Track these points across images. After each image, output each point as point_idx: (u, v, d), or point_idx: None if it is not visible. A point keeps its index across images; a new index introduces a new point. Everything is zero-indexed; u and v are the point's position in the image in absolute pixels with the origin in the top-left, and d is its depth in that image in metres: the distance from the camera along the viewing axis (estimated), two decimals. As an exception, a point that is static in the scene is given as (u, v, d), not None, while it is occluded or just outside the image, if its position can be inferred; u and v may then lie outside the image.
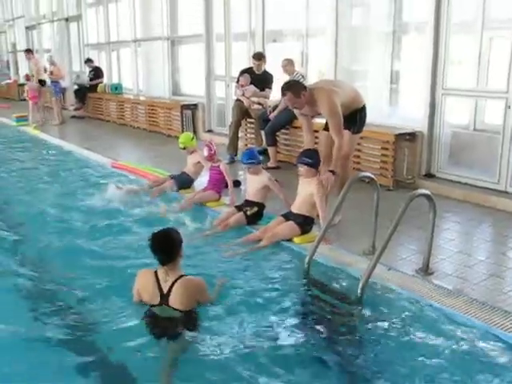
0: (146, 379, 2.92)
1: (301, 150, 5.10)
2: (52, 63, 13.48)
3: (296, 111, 5.17)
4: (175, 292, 3.39)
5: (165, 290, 3.41)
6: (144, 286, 3.51)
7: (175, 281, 3.41)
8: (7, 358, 2.98)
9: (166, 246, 3.40)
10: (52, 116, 13.14)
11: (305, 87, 4.93)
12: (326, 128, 5.18)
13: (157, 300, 3.42)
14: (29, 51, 14.18)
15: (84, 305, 3.69)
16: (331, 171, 4.82)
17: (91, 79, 14.08)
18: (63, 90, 14.28)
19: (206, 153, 5.88)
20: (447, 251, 4.52)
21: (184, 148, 6.35)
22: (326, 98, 4.85)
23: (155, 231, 3.46)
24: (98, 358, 3.09)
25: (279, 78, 7.72)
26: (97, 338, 3.28)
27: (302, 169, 4.74)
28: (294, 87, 4.90)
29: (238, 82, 8.31)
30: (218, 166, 5.88)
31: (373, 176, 4.41)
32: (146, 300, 3.48)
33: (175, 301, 3.38)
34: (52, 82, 13.24)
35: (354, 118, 5.07)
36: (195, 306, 3.46)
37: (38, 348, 3.16)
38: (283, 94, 4.93)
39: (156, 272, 3.47)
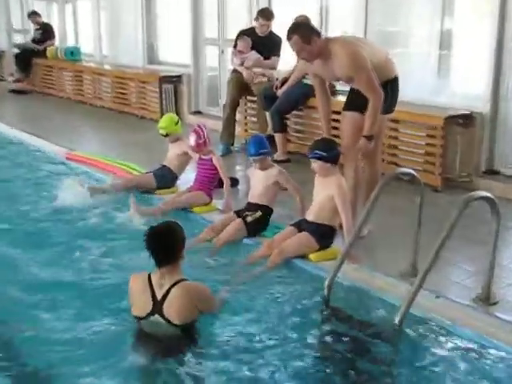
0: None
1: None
2: None
3: (308, 67, 5.30)
4: (171, 298, 3.59)
5: (159, 296, 3.62)
6: (135, 293, 3.74)
7: (173, 285, 3.61)
8: None
9: (164, 242, 3.64)
10: None
11: (318, 33, 5.09)
12: (350, 107, 5.27)
13: (148, 308, 3.62)
14: None
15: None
16: (366, 137, 4.96)
17: (38, 41, 14.15)
18: None
19: (192, 141, 5.90)
20: (516, 274, 4.56)
21: (166, 135, 6.40)
22: (346, 48, 4.98)
23: (153, 225, 3.74)
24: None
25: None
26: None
27: (316, 164, 4.79)
28: (303, 29, 5.07)
29: (235, 47, 8.36)
30: (210, 159, 5.92)
31: (414, 173, 4.44)
32: (136, 311, 3.70)
33: (171, 309, 3.58)
34: None
35: (384, 91, 5.11)
36: (195, 319, 3.68)
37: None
38: (289, 38, 5.06)
39: (150, 276, 3.69)
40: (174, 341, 3.59)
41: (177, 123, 6.44)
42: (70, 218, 5.74)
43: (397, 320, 3.62)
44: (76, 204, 5.95)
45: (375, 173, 5.29)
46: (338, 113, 7.47)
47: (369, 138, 5.00)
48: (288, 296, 4.27)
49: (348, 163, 5.28)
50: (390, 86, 5.19)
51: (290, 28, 5.09)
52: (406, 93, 7.27)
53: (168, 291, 3.62)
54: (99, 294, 4.24)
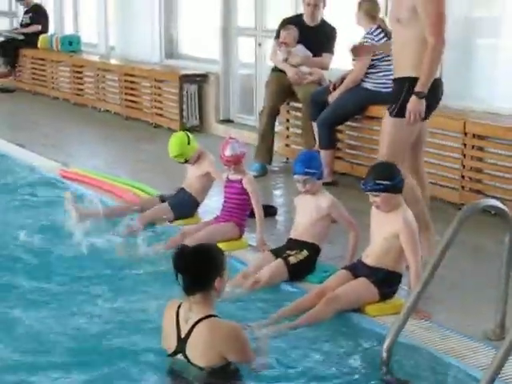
0: None
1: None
2: None
3: None
4: (195, 337, 3.74)
5: (183, 333, 3.78)
6: (164, 325, 3.98)
7: (198, 321, 3.74)
8: None
9: (194, 265, 3.79)
10: None
11: None
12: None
13: (173, 345, 3.83)
14: None
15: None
16: (418, 93, 5.24)
17: (25, 26, 14.39)
18: None
19: (229, 151, 5.88)
20: None
21: (186, 161, 6.49)
22: None
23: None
24: None
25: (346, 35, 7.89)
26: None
27: (378, 199, 4.80)
28: None
29: (277, 38, 8.44)
30: (240, 181, 5.94)
31: (502, 206, 4.44)
32: (164, 346, 3.95)
33: (194, 349, 3.74)
34: None
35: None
36: (225, 363, 3.77)
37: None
38: None
39: (179, 306, 3.88)
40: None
41: (189, 142, 6.48)
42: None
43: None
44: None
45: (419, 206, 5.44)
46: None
47: (421, 95, 5.25)
48: (337, 358, 4.28)
49: None
50: (435, 84, 5.41)
51: None
52: (494, 101, 7.37)
53: (193, 327, 3.75)
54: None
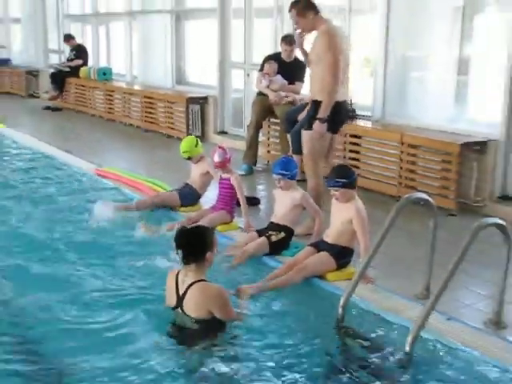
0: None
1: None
2: None
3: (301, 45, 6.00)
4: (189, 296, 3.85)
5: (181, 292, 3.90)
6: (167, 287, 4.05)
7: (192, 283, 3.85)
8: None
9: (190, 241, 3.89)
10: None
11: (316, 10, 5.70)
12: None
13: (173, 302, 3.94)
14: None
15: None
16: (320, 119, 5.61)
17: (71, 60, 14.34)
18: None
19: (217, 158, 5.88)
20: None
21: (189, 158, 6.45)
22: (330, 29, 5.64)
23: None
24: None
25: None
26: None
27: (338, 193, 4.77)
28: (301, 4, 5.68)
29: (261, 70, 8.42)
30: (229, 179, 5.92)
31: (428, 198, 4.44)
32: (167, 303, 4.03)
33: (188, 305, 3.86)
34: None
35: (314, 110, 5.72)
36: (212, 317, 3.84)
37: None
38: (289, 10, 5.77)
39: (178, 272, 3.97)
40: (193, 332, 3.82)
41: (196, 145, 6.44)
42: (99, 231, 5.87)
43: (409, 339, 3.62)
44: (103, 220, 6.08)
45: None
46: (358, 137, 7.58)
47: (321, 120, 5.61)
48: (304, 313, 4.29)
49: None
50: (338, 108, 5.68)
51: (292, 2, 5.76)
52: (424, 119, 7.38)
53: (188, 288, 3.85)
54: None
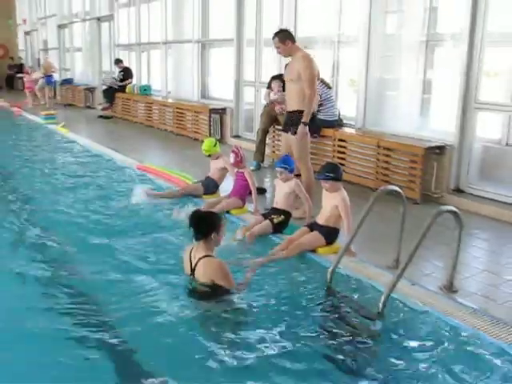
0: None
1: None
2: (44, 61, 17.42)
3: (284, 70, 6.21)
4: (198, 268, 3.85)
5: (193, 264, 3.90)
6: (184, 258, 4.04)
7: (200, 258, 3.84)
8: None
9: (198, 222, 3.88)
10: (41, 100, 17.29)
11: (293, 39, 5.80)
12: (284, 129, 6.06)
13: (189, 271, 3.95)
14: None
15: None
16: (304, 123, 5.67)
17: (121, 80, 14.41)
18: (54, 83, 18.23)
19: (232, 159, 5.94)
20: (473, 269, 4.54)
21: (209, 155, 6.46)
22: (306, 55, 5.73)
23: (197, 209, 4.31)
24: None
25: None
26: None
27: (328, 184, 4.78)
28: (282, 33, 5.83)
29: (268, 87, 8.39)
30: (243, 173, 5.94)
31: (399, 190, 4.45)
32: (185, 271, 4.02)
33: (198, 274, 3.86)
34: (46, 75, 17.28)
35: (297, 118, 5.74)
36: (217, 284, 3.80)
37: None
38: (273, 38, 5.86)
39: (192, 248, 3.97)
40: (203, 293, 3.81)
41: (215, 145, 6.43)
42: (138, 213, 5.91)
43: (381, 300, 3.64)
44: (141, 204, 6.13)
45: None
46: (344, 141, 7.55)
47: (305, 123, 5.68)
48: (300, 278, 4.31)
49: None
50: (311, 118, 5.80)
51: (275, 32, 5.87)
52: (396, 127, 7.38)
53: (197, 262, 3.85)
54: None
